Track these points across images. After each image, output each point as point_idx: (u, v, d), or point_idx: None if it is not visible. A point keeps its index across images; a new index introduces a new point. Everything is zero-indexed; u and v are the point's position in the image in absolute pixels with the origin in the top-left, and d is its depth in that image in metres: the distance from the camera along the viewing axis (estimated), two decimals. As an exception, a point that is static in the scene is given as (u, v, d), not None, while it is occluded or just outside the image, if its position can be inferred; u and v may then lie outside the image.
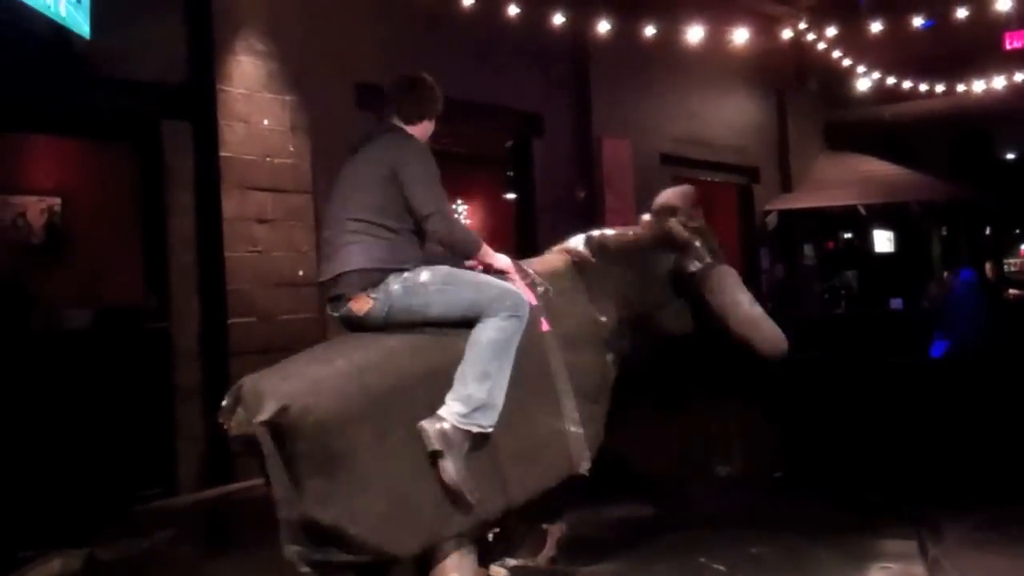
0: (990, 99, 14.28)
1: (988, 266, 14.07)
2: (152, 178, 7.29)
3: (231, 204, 7.31)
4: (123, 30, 6.62)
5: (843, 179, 15.01)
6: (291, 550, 3.69)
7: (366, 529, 3.63)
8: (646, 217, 4.80)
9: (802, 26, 13.11)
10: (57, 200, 8.95)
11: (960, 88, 14.26)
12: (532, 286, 4.17)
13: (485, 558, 4.10)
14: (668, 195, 4.76)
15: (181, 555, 5.55)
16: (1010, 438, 6.49)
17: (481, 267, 4.17)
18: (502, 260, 4.20)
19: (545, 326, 4.11)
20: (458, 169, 11.05)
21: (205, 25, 7.29)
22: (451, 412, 3.72)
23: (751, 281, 11.67)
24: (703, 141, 13.30)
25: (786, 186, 15.26)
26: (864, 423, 7.22)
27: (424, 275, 3.95)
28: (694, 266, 4.36)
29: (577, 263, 4.44)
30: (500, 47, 9.87)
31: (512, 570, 4.28)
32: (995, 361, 8.36)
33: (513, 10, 9.56)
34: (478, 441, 3.80)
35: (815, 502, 5.87)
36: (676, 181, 12.68)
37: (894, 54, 13.82)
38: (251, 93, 7.54)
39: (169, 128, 7.24)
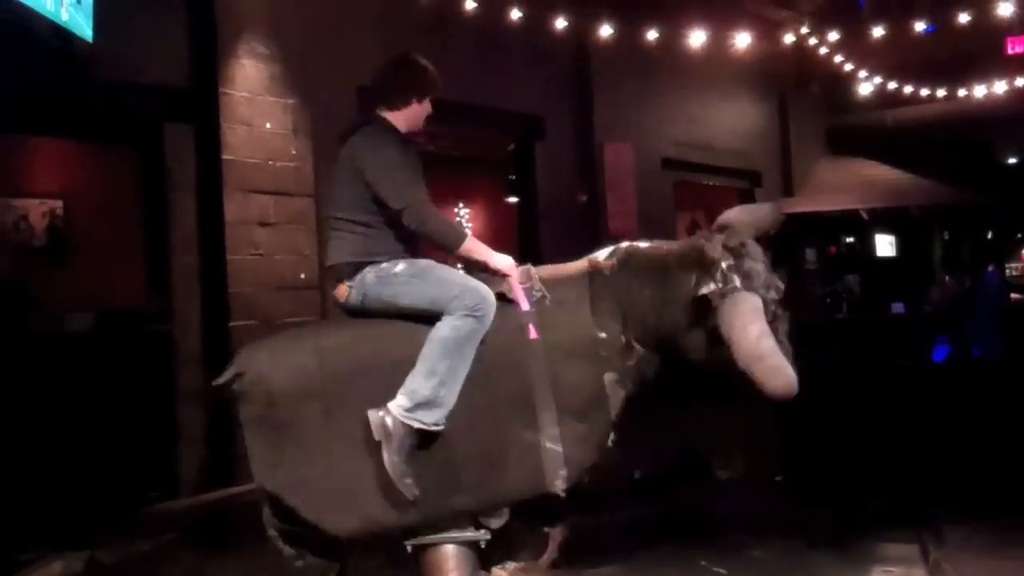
0: (992, 104, 14.28)
1: (990, 270, 14.07)
2: (154, 181, 7.29)
3: (233, 207, 7.32)
4: (125, 33, 6.63)
5: (845, 183, 15.01)
6: (265, 514, 3.97)
7: (306, 502, 3.82)
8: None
9: (804, 30, 13.11)
10: (59, 203, 8.97)
11: (961, 93, 14.26)
12: (529, 291, 4.01)
13: (486, 561, 4.10)
14: (737, 210, 4.19)
15: (183, 557, 5.54)
16: (1012, 442, 6.48)
17: (460, 265, 4.21)
18: (499, 259, 4.05)
19: (533, 333, 3.91)
20: (459, 172, 11.07)
21: (207, 28, 7.30)
22: (396, 405, 3.76)
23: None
24: (705, 145, 13.30)
25: (788, 190, 15.25)
26: (866, 427, 7.21)
27: (399, 266, 3.99)
28: (707, 288, 3.79)
29: (592, 273, 4.08)
30: (502, 51, 9.87)
31: (513, 573, 4.28)
32: (999, 365, 8.35)
33: (515, 14, 9.57)
34: (429, 439, 3.80)
35: (816, 506, 5.87)
36: (677, 185, 12.91)
37: (896, 59, 13.82)
38: (253, 96, 7.55)
39: (171, 131, 7.24)
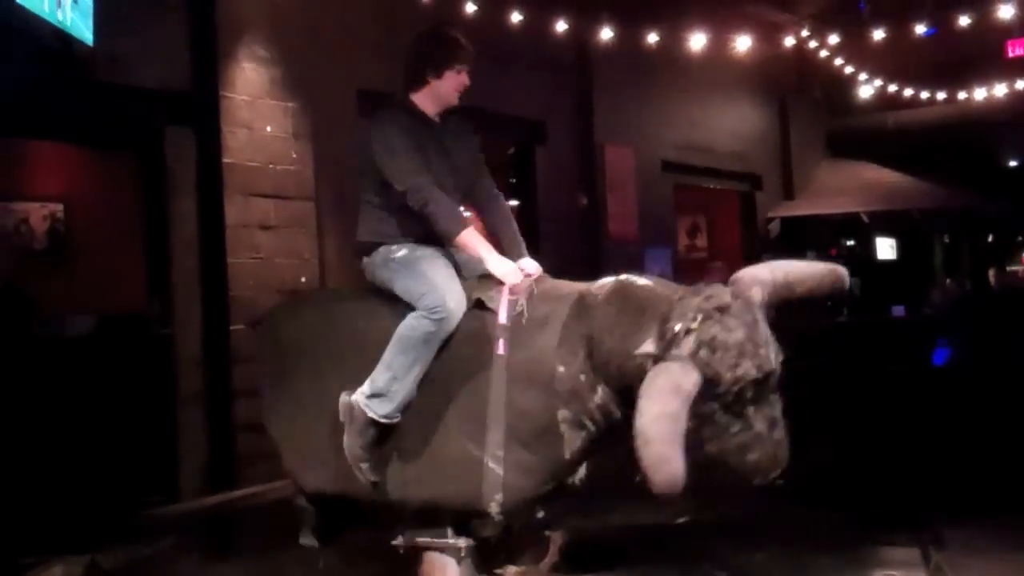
0: (992, 107, 14.28)
1: (991, 273, 14.06)
2: (155, 184, 7.29)
3: (234, 211, 7.32)
4: (126, 36, 6.64)
5: (845, 186, 15.02)
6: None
7: (288, 451, 4.06)
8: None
9: (804, 33, 13.12)
10: (60, 206, 8.98)
11: (962, 96, 14.26)
12: (513, 304, 3.79)
13: (487, 564, 4.10)
14: (765, 266, 3.56)
15: (183, 562, 5.53)
16: (1013, 445, 6.47)
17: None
18: (496, 263, 3.91)
19: (502, 349, 3.72)
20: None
21: (208, 32, 7.30)
22: (360, 390, 3.85)
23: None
24: (705, 148, 13.31)
25: (788, 193, 15.26)
26: (867, 430, 7.21)
27: (400, 252, 4.01)
28: (646, 347, 3.26)
29: (578, 300, 3.71)
30: (503, 54, 9.86)
31: (514, 577, 4.27)
32: (999, 368, 8.35)
33: (516, 17, 9.58)
34: (386, 430, 3.88)
35: (818, 509, 5.85)
36: (678, 188, 12.92)
37: (896, 62, 13.83)
38: (254, 100, 7.55)
39: (172, 134, 7.23)
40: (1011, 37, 13.79)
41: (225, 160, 7.29)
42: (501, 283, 3.89)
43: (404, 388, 3.82)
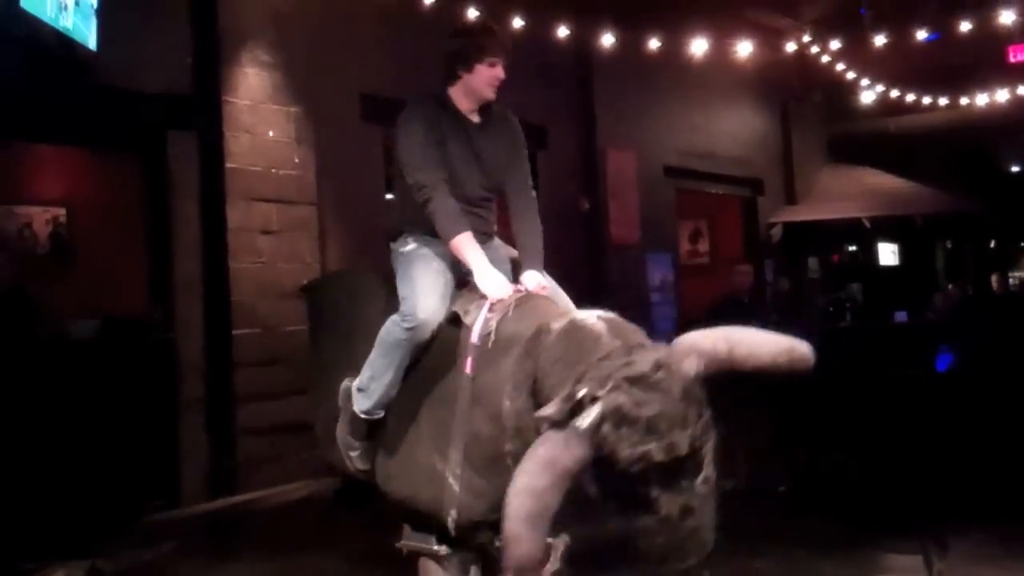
0: (994, 112, 14.26)
1: (994, 278, 14.07)
2: (157, 189, 7.31)
3: (236, 215, 7.33)
4: (129, 41, 6.65)
5: (847, 192, 15.01)
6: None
7: (312, 411, 3.99)
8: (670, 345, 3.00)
9: (806, 39, 13.10)
10: (62, 210, 8.99)
11: (964, 101, 14.24)
12: (488, 323, 3.55)
13: (488, 570, 4.09)
14: (702, 334, 2.95)
15: (184, 567, 5.54)
16: (1016, 452, 6.46)
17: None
18: (483, 278, 3.69)
19: (468, 368, 3.52)
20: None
21: (210, 36, 7.31)
22: (355, 381, 3.88)
23: (757, 293, 11.69)
24: (707, 153, 13.31)
25: (790, 198, 15.26)
26: (869, 437, 7.20)
27: (408, 246, 3.94)
28: (546, 410, 2.85)
29: (535, 334, 3.33)
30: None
31: (516, 583, 4.25)
32: (1002, 374, 8.34)
33: (517, 23, 9.58)
34: (375, 423, 3.89)
35: (820, 516, 5.85)
36: (680, 193, 12.91)
37: (898, 67, 13.81)
38: (256, 104, 7.56)
39: (174, 139, 7.25)
40: (1012, 42, 13.76)
41: (227, 164, 7.30)
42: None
43: (380, 388, 3.78)
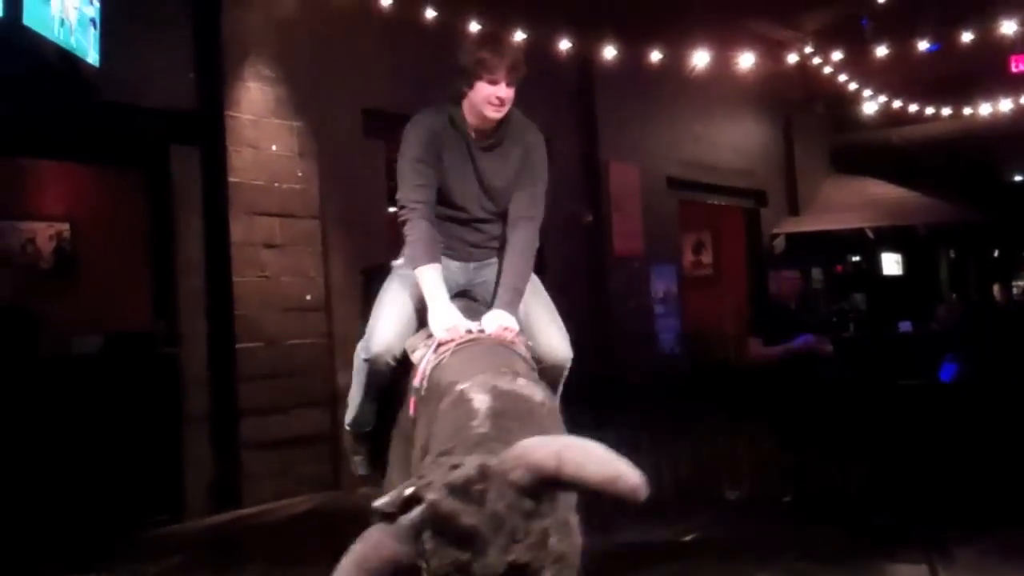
0: (997, 122, 14.26)
1: (997, 288, 14.04)
2: (160, 203, 7.32)
3: (239, 229, 7.34)
4: (131, 56, 6.67)
5: (850, 202, 15.01)
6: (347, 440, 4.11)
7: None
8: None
9: (808, 50, 13.12)
10: (66, 225, 9.00)
11: (967, 111, 14.25)
12: (426, 366, 3.28)
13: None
14: (558, 450, 2.41)
15: (188, 581, 5.54)
16: (1020, 461, 6.45)
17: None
18: (435, 317, 3.42)
19: (412, 410, 3.27)
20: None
21: (213, 51, 7.34)
22: None
23: (757, 304, 11.64)
24: (710, 165, 13.32)
25: (793, 209, 15.26)
26: (873, 446, 7.19)
27: (398, 266, 3.79)
28: (380, 500, 2.49)
29: (444, 390, 3.01)
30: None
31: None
32: (1006, 384, 8.33)
33: (519, 35, 9.60)
34: (374, 435, 3.82)
35: (825, 526, 5.84)
36: (683, 205, 12.91)
37: (900, 77, 13.83)
38: (259, 119, 7.58)
39: (177, 154, 7.27)
40: (1015, 52, 13.77)
41: (230, 179, 7.32)
42: None
43: (355, 407, 3.74)
